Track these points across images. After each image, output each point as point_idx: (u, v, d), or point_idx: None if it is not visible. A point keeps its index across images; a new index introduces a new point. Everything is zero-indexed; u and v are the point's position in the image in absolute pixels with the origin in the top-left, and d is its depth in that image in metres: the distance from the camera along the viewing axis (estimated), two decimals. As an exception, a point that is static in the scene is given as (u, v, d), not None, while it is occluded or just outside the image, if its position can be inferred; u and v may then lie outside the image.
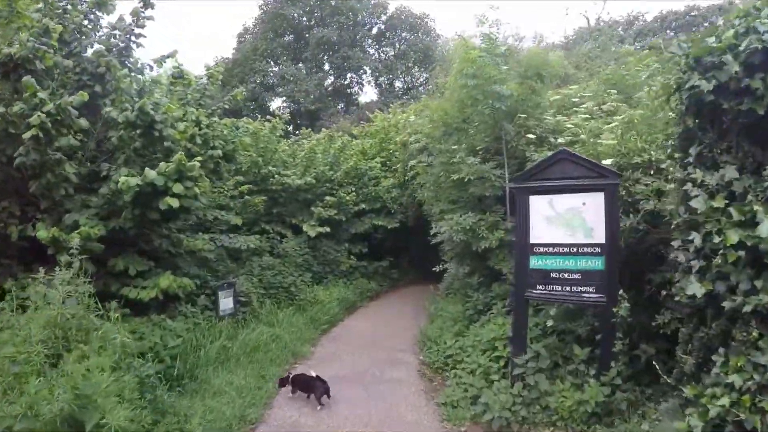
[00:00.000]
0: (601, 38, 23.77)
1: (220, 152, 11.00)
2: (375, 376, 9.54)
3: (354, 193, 17.34)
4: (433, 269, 12.75)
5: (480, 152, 10.64)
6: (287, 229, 16.17)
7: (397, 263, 19.31)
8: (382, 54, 41.58)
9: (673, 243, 5.43)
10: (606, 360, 6.86)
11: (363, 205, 17.73)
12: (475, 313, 10.40)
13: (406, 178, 16.65)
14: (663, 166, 6.69)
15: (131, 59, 10.30)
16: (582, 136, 8.89)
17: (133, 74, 10.23)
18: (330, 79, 40.60)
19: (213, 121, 11.19)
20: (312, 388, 8.16)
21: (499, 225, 10.09)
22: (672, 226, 5.50)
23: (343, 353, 10.90)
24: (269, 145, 16.72)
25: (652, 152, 7.32)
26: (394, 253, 19.15)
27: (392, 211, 18.40)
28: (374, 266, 17.91)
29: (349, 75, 41.21)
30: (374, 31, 41.48)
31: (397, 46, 41.08)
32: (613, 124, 8.61)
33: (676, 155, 5.76)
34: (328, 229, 16.05)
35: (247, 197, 14.99)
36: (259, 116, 23.78)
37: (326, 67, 40.50)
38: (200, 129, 10.56)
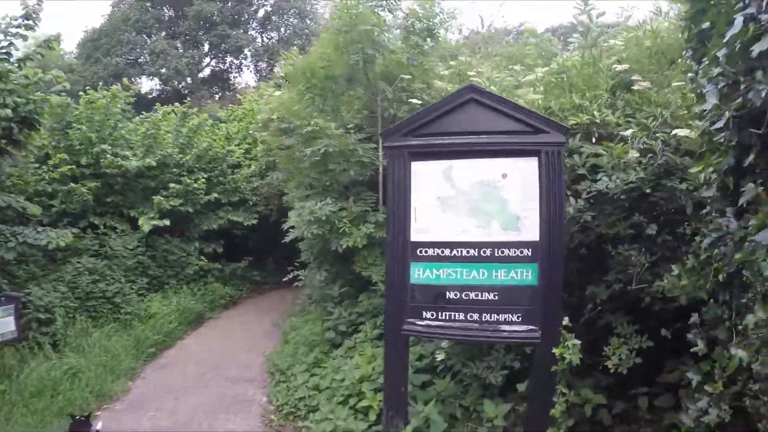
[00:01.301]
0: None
1: (9, 112, 7.96)
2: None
3: (205, 181, 14.54)
4: (290, 274, 10.11)
5: (352, 130, 8.41)
6: (124, 224, 13.37)
7: (260, 263, 16.81)
8: (266, 38, 38.28)
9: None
10: (540, 424, 4.33)
11: (216, 195, 15.01)
12: (338, 335, 8.12)
13: (267, 164, 14.56)
14: (626, 132, 4.91)
15: None
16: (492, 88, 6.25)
17: None
18: (207, 60, 36.90)
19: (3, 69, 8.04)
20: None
21: (368, 217, 8.01)
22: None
23: (169, 391, 8.45)
24: (108, 119, 13.62)
25: (596, 112, 5.43)
26: (258, 253, 16.58)
27: (252, 204, 15.98)
28: (231, 268, 15.47)
29: (228, 59, 37.57)
30: (261, 13, 38.11)
31: (283, 30, 37.93)
32: (536, 74, 6.48)
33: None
34: (167, 223, 13.17)
35: (72, 184, 12.14)
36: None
37: (205, 49, 36.72)
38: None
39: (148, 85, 35.17)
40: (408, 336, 4.73)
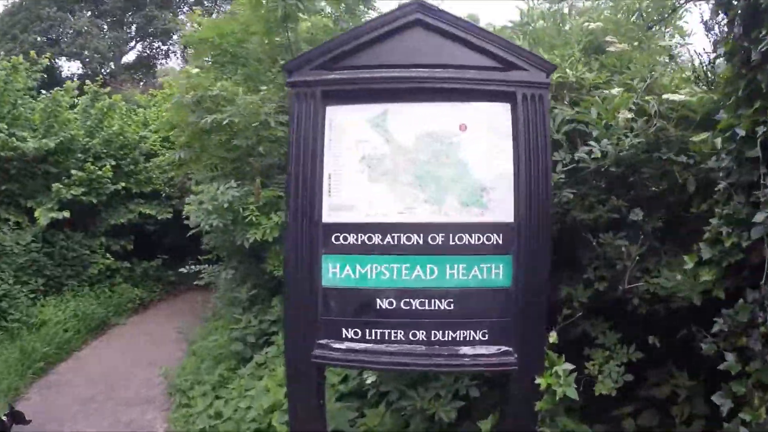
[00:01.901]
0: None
1: None
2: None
3: (111, 168, 13.11)
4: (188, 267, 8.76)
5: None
6: (21, 215, 11.93)
7: (176, 262, 14.85)
8: (196, 25, 36.38)
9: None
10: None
11: (124, 185, 13.57)
12: (247, 347, 6.91)
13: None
14: (613, 91, 4.06)
15: None
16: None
17: None
18: (132, 44, 34.83)
19: None
20: None
21: (281, 204, 6.72)
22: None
23: (53, 417, 7.24)
24: (5, 94, 12.08)
25: (568, 70, 4.56)
26: (174, 250, 14.94)
27: (166, 196, 14.57)
28: (143, 267, 14.08)
29: (156, 44, 35.42)
30: (194, -5, 36.46)
31: (215, 16, 36.25)
32: (494, 26, 5.59)
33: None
34: (66, 215, 11.66)
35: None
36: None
37: (132, 32, 34.56)
38: None
39: (69, 68, 32.87)
40: (321, 365, 3.18)
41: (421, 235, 3.12)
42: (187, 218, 7.28)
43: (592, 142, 3.71)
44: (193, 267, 8.03)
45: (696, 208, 3.70)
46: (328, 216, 3.11)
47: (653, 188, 4.07)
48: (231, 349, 6.81)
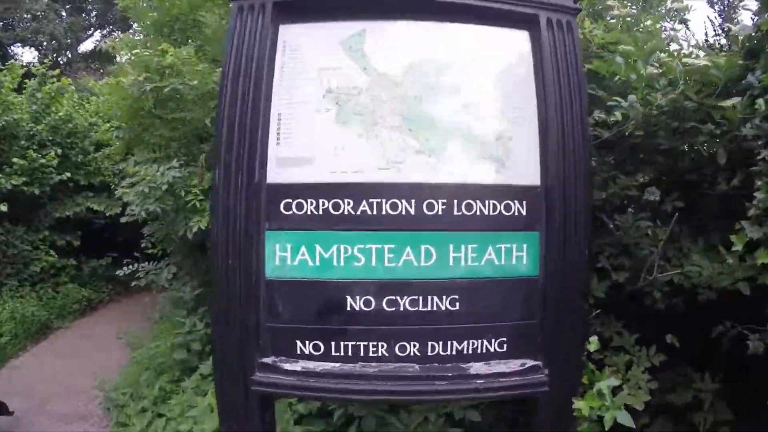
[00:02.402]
0: None
1: None
2: None
3: (55, 156, 12.13)
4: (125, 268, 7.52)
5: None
6: None
7: (127, 260, 14.14)
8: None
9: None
10: None
11: (69, 175, 12.57)
12: (192, 356, 5.96)
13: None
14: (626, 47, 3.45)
15: None
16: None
17: None
18: (91, 32, 33.27)
19: None
20: None
21: None
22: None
23: None
24: None
25: None
26: (125, 247, 13.11)
27: (115, 189, 12.95)
28: (91, 266, 12.99)
29: (115, 33, 34.58)
30: (152, -20, 35.60)
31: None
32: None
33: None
34: (3, 209, 10.62)
35: None
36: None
37: (92, 19, 33.05)
38: None
39: (24, 55, 30.80)
40: (266, 395, 2.21)
41: (413, 201, 2.23)
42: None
43: (615, 99, 3.20)
44: (130, 266, 6.97)
45: (726, 184, 3.29)
46: (275, 174, 2.17)
47: (673, 162, 3.69)
48: (174, 358, 5.95)
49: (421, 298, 2.19)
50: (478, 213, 2.22)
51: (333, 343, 2.08)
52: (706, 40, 4.15)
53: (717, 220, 3.46)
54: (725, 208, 3.33)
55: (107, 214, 12.99)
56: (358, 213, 2.17)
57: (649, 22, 4.84)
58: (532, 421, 2.45)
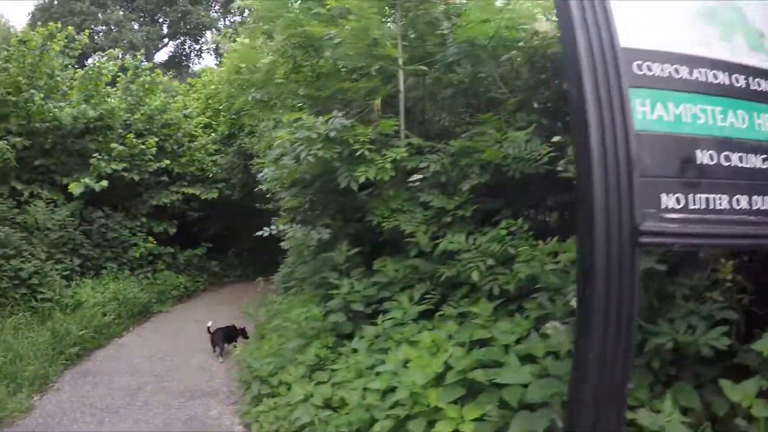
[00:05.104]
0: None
1: None
2: None
3: (154, 144, 12.49)
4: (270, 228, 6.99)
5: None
6: (56, 193, 11.20)
7: (219, 253, 14.86)
8: (227, 21, 35.49)
9: None
10: None
11: (167, 162, 12.93)
12: (349, 320, 5.55)
13: (232, 128, 12.95)
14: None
15: None
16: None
17: None
18: (165, 42, 34.79)
19: None
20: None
21: (399, 141, 5.79)
22: None
23: (89, 411, 6.13)
24: (43, 62, 11.44)
25: None
26: (217, 240, 14.59)
27: (211, 177, 14.13)
28: (186, 255, 13.42)
29: (188, 43, 35.37)
30: (226, -9, 36.40)
31: (247, 12, 36.27)
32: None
33: None
34: (104, 185, 10.98)
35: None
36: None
37: (164, 30, 34.52)
38: None
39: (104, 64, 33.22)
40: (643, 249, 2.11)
41: (725, 73, 2.16)
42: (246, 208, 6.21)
43: None
44: (271, 228, 6.70)
45: None
46: (625, 39, 2.12)
47: None
48: (327, 323, 5.67)
49: (744, 155, 2.12)
50: (763, 90, 2.13)
51: (690, 197, 1.98)
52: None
53: None
54: None
55: (203, 198, 13.42)
56: (692, 79, 2.13)
57: None
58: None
